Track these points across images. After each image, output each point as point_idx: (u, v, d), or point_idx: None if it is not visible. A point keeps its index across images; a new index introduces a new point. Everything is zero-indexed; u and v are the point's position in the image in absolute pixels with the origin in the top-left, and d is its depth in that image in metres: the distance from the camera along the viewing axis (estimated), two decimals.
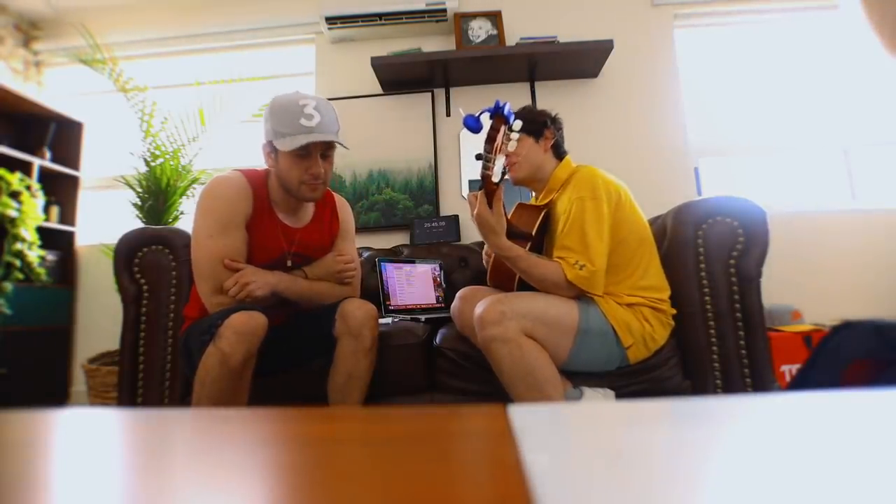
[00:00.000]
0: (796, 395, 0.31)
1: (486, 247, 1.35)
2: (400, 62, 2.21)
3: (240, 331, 0.95)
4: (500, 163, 1.02)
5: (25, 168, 2.21)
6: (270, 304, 1.09)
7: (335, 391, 1.12)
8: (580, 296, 1.15)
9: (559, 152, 1.32)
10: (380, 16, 2.29)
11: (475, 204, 1.09)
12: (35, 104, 2.35)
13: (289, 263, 1.19)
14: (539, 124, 1.28)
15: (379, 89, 2.43)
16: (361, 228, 2.31)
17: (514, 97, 2.38)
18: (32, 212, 2.12)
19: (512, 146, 1.02)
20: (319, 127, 1.09)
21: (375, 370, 1.17)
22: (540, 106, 2.32)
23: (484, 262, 1.36)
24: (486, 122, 1.03)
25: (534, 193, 1.40)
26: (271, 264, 1.15)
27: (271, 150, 1.12)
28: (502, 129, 1.01)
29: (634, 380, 1.18)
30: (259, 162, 1.18)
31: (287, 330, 1.19)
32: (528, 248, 1.17)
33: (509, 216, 1.23)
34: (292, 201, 1.19)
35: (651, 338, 1.16)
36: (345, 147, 1.15)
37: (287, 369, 1.24)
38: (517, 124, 1.00)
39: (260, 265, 1.12)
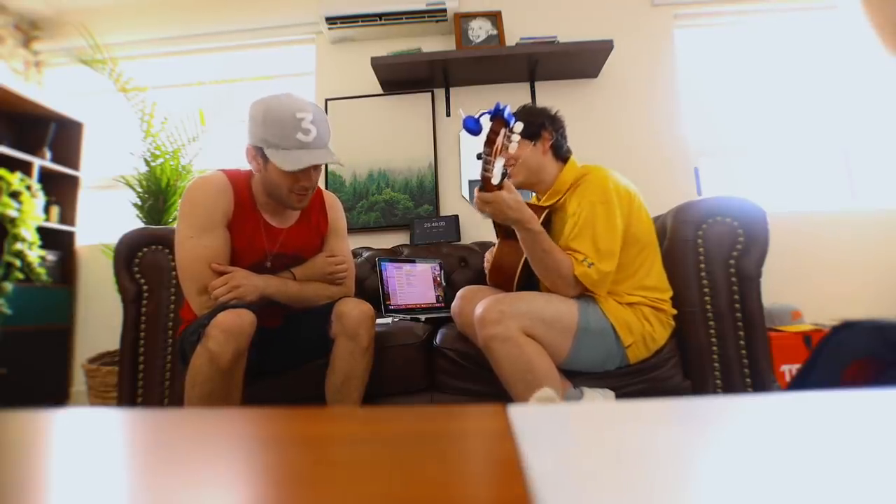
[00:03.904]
0: (796, 395, 0.31)
1: (486, 253, 1.34)
2: (400, 62, 2.21)
3: (227, 329, 0.94)
4: (499, 165, 1.02)
5: (25, 168, 2.21)
6: (258, 305, 1.07)
7: (333, 392, 1.12)
8: (580, 295, 1.15)
9: (560, 153, 1.29)
10: (380, 16, 2.29)
11: (483, 196, 1.04)
12: (35, 104, 2.35)
13: (268, 265, 1.16)
14: (536, 126, 1.25)
15: (379, 89, 2.43)
16: (361, 228, 2.32)
17: (514, 97, 2.38)
18: (32, 212, 2.12)
19: (513, 148, 1.02)
20: (316, 142, 1.05)
21: (375, 370, 1.17)
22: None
23: (485, 266, 1.37)
24: (486, 123, 1.03)
25: (535, 194, 1.40)
26: (255, 265, 1.13)
27: (259, 155, 1.08)
28: (502, 131, 1.01)
29: (634, 380, 1.18)
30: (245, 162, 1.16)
31: (284, 332, 1.19)
32: None
33: None
34: (273, 202, 1.17)
35: (651, 337, 1.16)
36: (340, 164, 1.15)
37: (284, 371, 1.23)
38: (518, 126, 1.00)
39: (244, 267, 1.10)
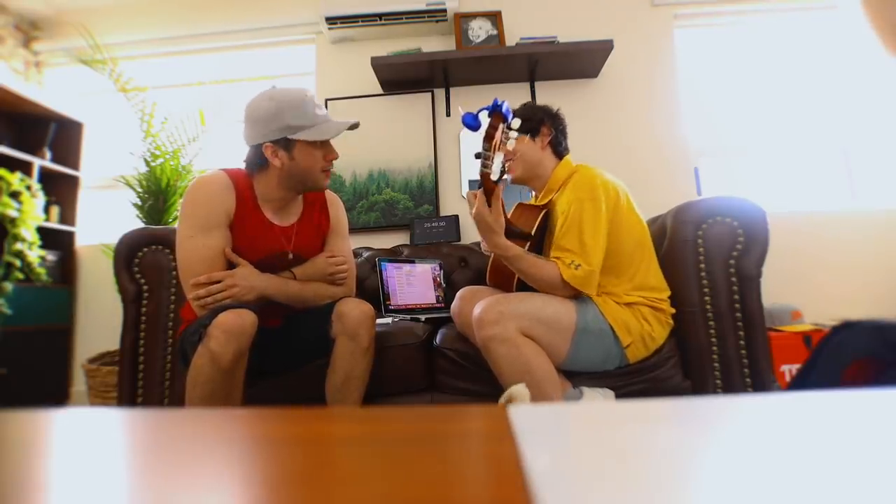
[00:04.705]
0: (796, 395, 0.31)
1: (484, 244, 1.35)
2: (400, 62, 2.21)
3: (228, 330, 0.94)
4: (498, 161, 1.02)
5: (25, 168, 2.21)
6: (258, 304, 1.07)
7: (333, 392, 1.12)
8: (578, 295, 1.15)
9: (558, 150, 1.30)
10: (380, 16, 2.29)
11: (474, 202, 1.08)
12: (35, 104, 2.35)
13: (290, 257, 1.18)
14: (535, 122, 1.26)
15: (379, 89, 2.43)
16: (361, 228, 2.32)
17: (514, 97, 2.37)
18: (32, 212, 2.12)
19: (511, 144, 1.02)
20: (328, 114, 1.13)
21: (375, 370, 1.17)
22: None
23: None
24: (485, 120, 1.03)
25: (534, 193, 1.40)
26: (266, 262, 1.13)
27: (281, 148, 1.09)
28: (500, 126, 1.01)
29: (634, 380, 1.18)
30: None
31: (284, 332, 1.19)
32: (527, 247, 1.17)
33: (509, 215, 1.23)
34: (281, 199, 1.17)
35: (650, 337, 1.16)
36: (357, 125, 1.17)
37: (285, 371, 1.23)
38: (516, 122, 1.00)
39: (252, 263, 1.11)
